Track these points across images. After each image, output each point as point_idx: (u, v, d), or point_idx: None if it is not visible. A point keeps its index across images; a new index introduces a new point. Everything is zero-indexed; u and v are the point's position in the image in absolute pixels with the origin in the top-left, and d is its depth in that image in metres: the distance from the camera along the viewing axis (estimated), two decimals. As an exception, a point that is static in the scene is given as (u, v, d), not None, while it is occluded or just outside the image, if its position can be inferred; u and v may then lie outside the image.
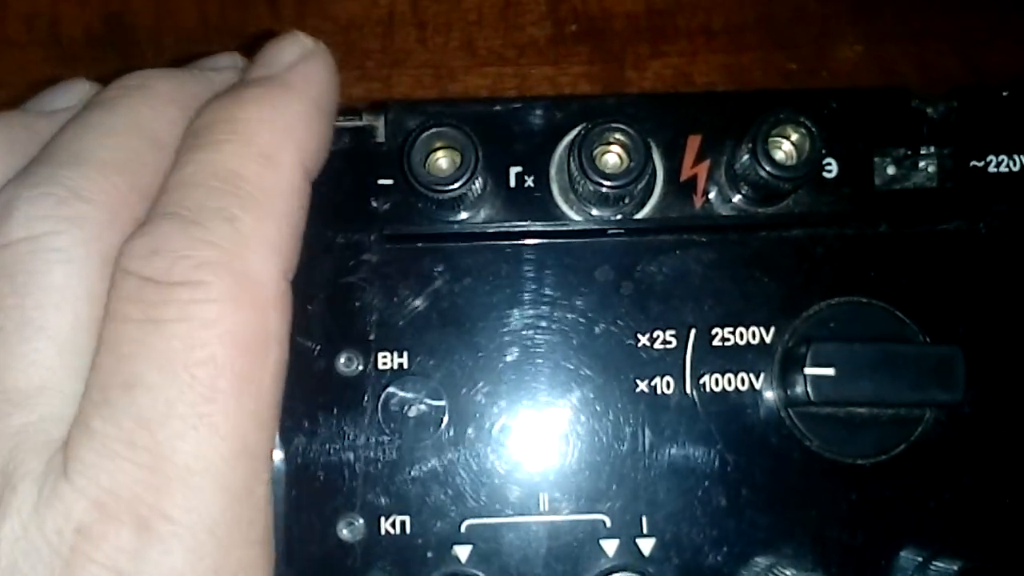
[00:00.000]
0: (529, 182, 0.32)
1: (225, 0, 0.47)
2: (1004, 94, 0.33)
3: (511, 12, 0.49)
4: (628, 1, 0.50)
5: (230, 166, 0.25)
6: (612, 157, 0.31)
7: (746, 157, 0.30)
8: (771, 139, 0.30)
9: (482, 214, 0.32)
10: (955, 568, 0.29)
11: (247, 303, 0.23)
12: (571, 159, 0.30)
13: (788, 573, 0.30)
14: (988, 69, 0.49)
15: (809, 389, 0.30)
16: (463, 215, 0.32)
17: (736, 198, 0.32)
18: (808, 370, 0.30)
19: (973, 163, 0.33)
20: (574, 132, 0.31)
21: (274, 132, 0.26)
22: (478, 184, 0.31)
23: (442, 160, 0.30)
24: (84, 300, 0.24)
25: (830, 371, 0.30)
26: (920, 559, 0.31)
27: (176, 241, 0.23)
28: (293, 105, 0.26)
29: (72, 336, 0.24)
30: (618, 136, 0.30)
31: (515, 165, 0.32)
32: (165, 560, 0.22)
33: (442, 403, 0.31)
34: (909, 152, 0.32)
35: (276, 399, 0.25)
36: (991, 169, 0.32)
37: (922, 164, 0.32)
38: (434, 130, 0.30)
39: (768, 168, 0.30)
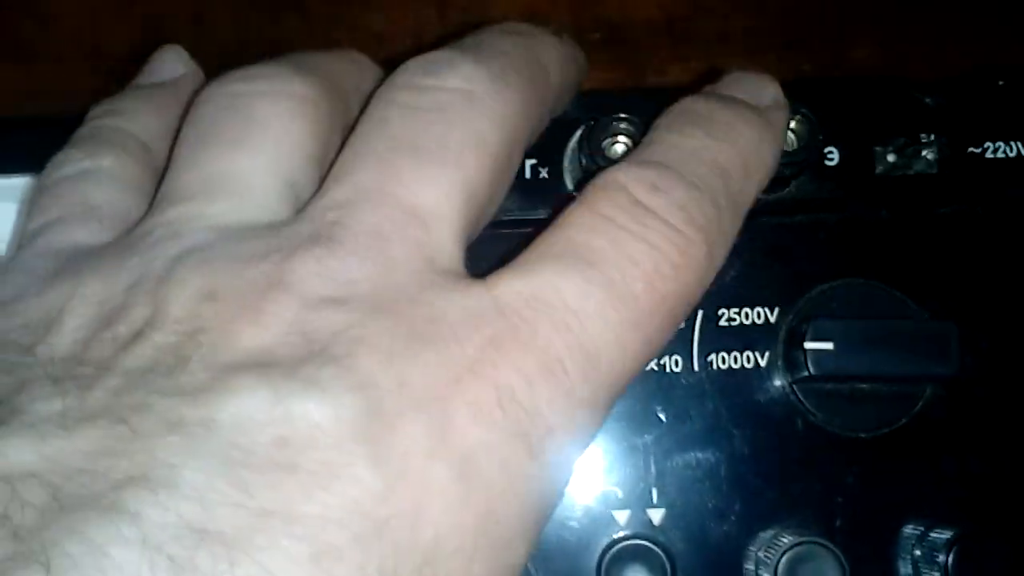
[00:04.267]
0: (544, 173, 0.34)
1: (259, 15, 0.49)
2: (1000, 83, 0.35)
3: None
4: (649, 9, 0.52)
5: (724, 162, 0.27)
6: (620, 147, 0.32)
7: (749, 145, 0.32)
8: (771, 127, 0.31)
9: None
10: (949, 535, 0.31)
11: (701, 274, 0.25)
12: (581, 150, 0.32)
13: (790, 540, 0.31)
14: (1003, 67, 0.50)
15: (809, 363, 0.31)
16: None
17: (741, 186, 0.33)
18: (808, 345, 0.31)
19: (971, 150, 0.34)
20: (584, 126, 0.33)
21: (757, 156, 0.28)
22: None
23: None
24: (494, 161, 0.26)
25: (829, 345, 0.31)
26: (921, 529, 0.32)
27: (677, 192, 0.25)
28: (772, 144, 0.29)
29: (478, 184, 0.25)
30: (624, 127, 0.32)
31: (530, 158, 0.34)
32: (550, 403, 0.23)
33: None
34: (909, 140, 0.34)
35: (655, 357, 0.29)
36: (988, 155, 0.34)
37: (921, 152, 0.34)
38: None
39: (770, 155, 0.31)
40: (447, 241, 0.24)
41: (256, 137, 0.26)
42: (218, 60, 0.49)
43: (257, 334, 0.21)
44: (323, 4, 0.51)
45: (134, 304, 0.23)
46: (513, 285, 0.23)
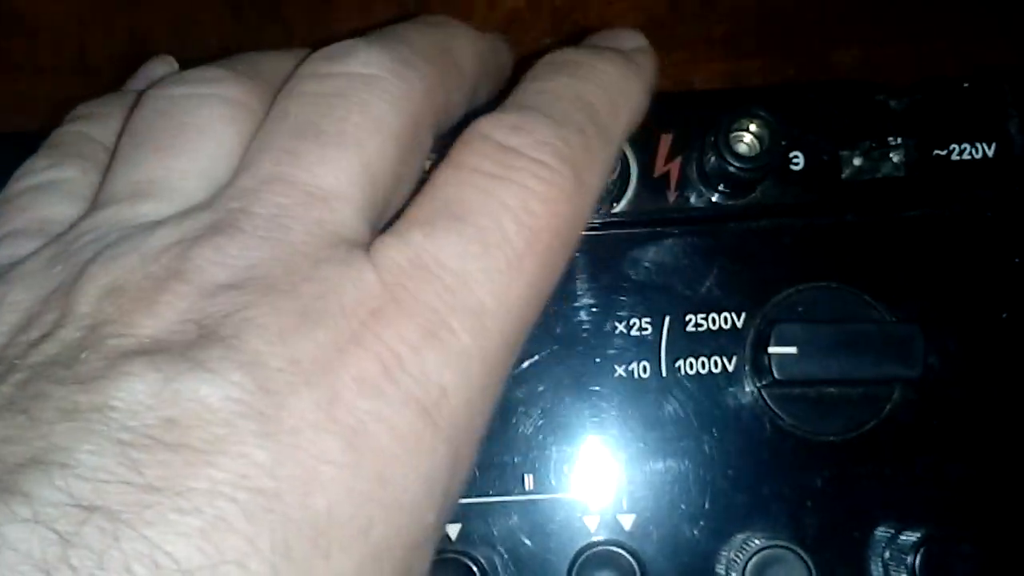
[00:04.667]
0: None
1: (241, 23, 0.50)
2: (965, 85, 0.35)
3: (516, 28, 0.52)
4: (629, 14, 0.52)
5: (588, 97, 0.28)
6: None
7: (712, 151, 0.32)
8: (732, 132, 0.32)
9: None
10: (917, 537, 0.31)
11: (575, 202, 0.26)
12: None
13: (759, 544, 0.31)
14: (986, 68, 0.50)
15: (774, 368, 0.31)
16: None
17: (707, 191, 0.34)
18: (772, 349, 0.31)
19: (936, 152, 0.34)
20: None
21: (623, 90, 0.29)
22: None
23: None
24: (395, 140, 0.26)
25: (793, 350, 0.31)
26: (890, 532, 0.32)
27: (541, 129, 0.26)
28: (637, 79, 0.30)
29: (378, 163, 0.26)
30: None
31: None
32: (438, 366, 0.23)
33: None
34: (875, 144, 0.34)
35: (547, 297, 0.27)
36: (954, 157, 0.34)
37: (887, 155, 0.34)
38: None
39: (732, 160, 0.32)
40: (350, 218, 0.25)
41: (188, 141, 0.27)
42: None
43: (152, 323, 0.22)
44: (303, 14, 0.51)
45: (50, 308, 0.24)
46: (390, 255, 0.24)
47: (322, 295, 0.23)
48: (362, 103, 0.26)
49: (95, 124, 0.31)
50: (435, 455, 0.23)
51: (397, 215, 0.26)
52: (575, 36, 0.50)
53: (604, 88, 0.28)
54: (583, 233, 0.33)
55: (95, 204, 0.27)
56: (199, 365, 0.21)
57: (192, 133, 0.27)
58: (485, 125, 0.26)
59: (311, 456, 0.21)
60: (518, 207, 0.25)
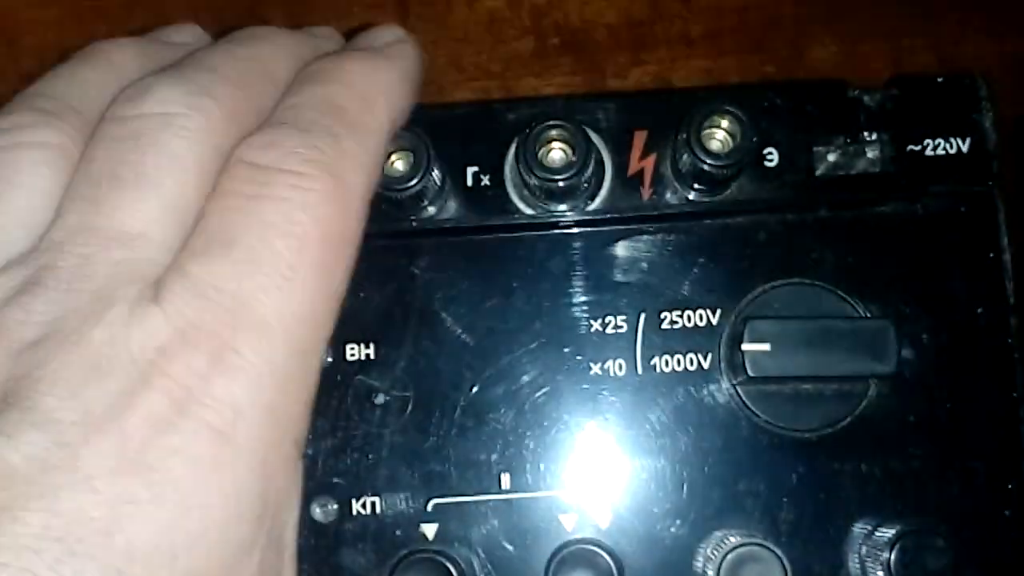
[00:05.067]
0: (485, 180, 0.34)
1: (220, 28, 0.49)
2: (939, 80, 0.35)
3: (496, 28, 0.51)
4: (608, 13, 0.52)
5: (336, 100, 0.29)
6: (558, 153, 0.32)
7: (685, 148, 0.32)
8: (704, 129, 0.32)
9: (442, 212, 0.34)
10: (892, 533, 0.31)
11: (339, 202, 0.27)
12: (518, 160, 0.32)
13: (735, 541, 0.31)
14: (961, 64, 0.50)
15: (747, 364, 0.31)
16: (427, 212, 0.34)
17: (682, 188, 0.34)
18: (745, 346, 0.31)
19: (911, 148, 0.34)
20: (519, 135, 0.33)
21: (373, 84, 0.30)
22: (435, 183, 0.33)
23: (398, 162, 0.32)
24: (195, 173, 0.27)
25: (766, 347, 0.31)
26: (867, 528, 0.32)
27: (289, 141, 0.27)
28: (389, 71, 0.31)
29: (179, 198, 0.27)
30: (558, 133, 0.32)
31: (471, 165, 0.34)
32: (228, 388, 0.24)
33: (408, 391, 0.33)
34: (848, 140, 0.34)
35: (340, 296, 0.28)
36: (928, 153, 0.34)
37: (862, 151, 0.34)
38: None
39: (704, 157, 0.31)
40: (154, 254, 0.26)
41: (2, 195, 0.27)
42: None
43: None
44: (285, 18, 0.51)
45: None
46: (173, 291, 0.25)
47: (111, 340, 0.24)
48: (157, 143, 0.27)
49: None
50: (237, 472, 0.24)
51: None
52: (553, 34, 0.50)
53: (350, 86, 0.30)
54: (559, 232, 0.34)
55: None
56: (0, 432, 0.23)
57: (6, 186, 0.27)
58: (241, 149, 0.27)
59: (108, 499, 0.23)
60: (281, 221, 0.26)
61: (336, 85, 0.30)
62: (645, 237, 0.34)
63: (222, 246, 0.26)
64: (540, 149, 0.32)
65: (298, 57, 0.32)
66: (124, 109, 0.28)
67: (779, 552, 0.31)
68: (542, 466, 0.33)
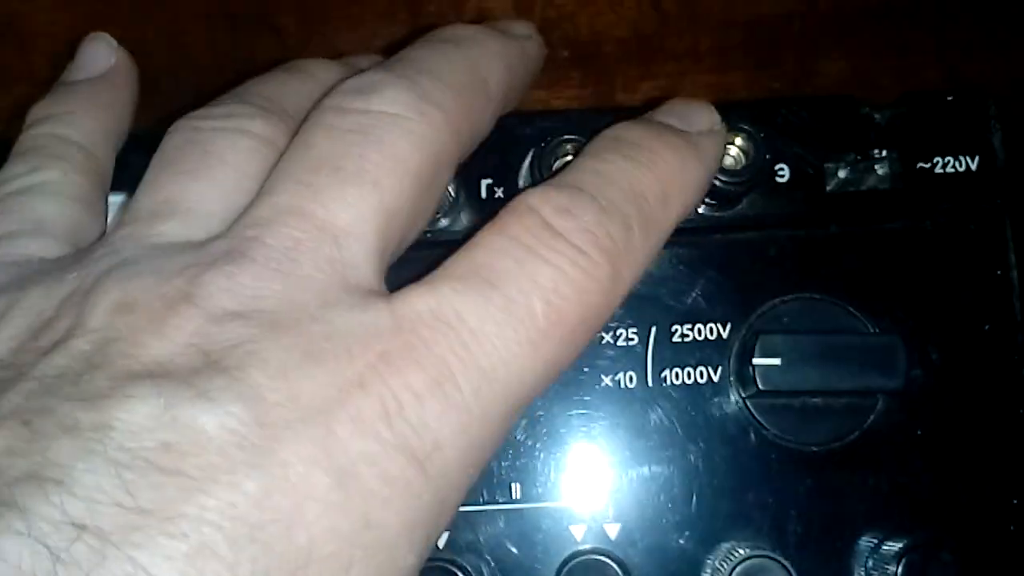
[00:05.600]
0: (499, 193, 0.34)
1: (234, 35, 0.50)
2: (949, 98, 0.35)
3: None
4: (617, 27, 0.52)
5: (641, 188, 0.28)
6: (572, 167, 0.33)
7: (698, 164, 0.32)
8: (718, 146, 0.32)
9: (455, 224, 0.34)
10: (899, 547, 0.31)
11: (608, 295, 0.26)
12: (533, 172, 0.33)
13: (743, 553, 0.32)
14: (969, 79, 0.51)
15: (758, 378, 0.32)
16: (441, 224, 0.34)
17: (694, 203, 0.34)
18: (756, 360, 0.32)
19: (920, 165, 0.34)
20: (534, 148, 0.34)
21: (678, 182, 0.29)
22: (449, 195, 0.33)
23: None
24: (413, 177, 0.26)
25: (777, 361, 0.32)
26: (874, 542, 0.32)
27: (587, 215, 0.26)
28: (698, 171, 0.30)
29: (394, 201, 0.26)
30: (572, 148, 0.32)
31: (485, 177, 0.35)
32: (438, 419, 0.23)
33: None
34: (860, 156, 0.34)
35: (559, 375, 0.27)
36: (937, 170, 0.34)
37: (872, 167, 0.34)
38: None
39: (718, 174, 0.32)
40: (360, 260, 0.25)
41: (209, 168, 0.27)
42: (194, 81, 0.50)
43: (159, 345, 0.22)
44: (298, 25, 0.51)
45: (62, 315, 0.24)
46: (414, 303, 0.24)
47: (328, 336, 0.23)
48: (383, 142, 0.26)
49: (60, 123, 0.32)
50: (421, 503, 0.23)
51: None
52: (562, 47, 0.50)
53: (658, 178, 0.28)
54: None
55: (119, 221, 0.27)
56: (201, 394, 0.21)
57: (214, 160, 0.27)
58: (535, 198, 0.26)
59: (298, 491, 0.21)
60: (549, 287, 0.25)
61: (644, 170, 0.28)
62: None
63: (483, 283, 0.25)
64: (556, 162, 0.32)
65: (507, 66, 0.31)
66: (348, 101, 0.27)
67: (787, 564, 0.31)
68: (553, 476, 0.33)
